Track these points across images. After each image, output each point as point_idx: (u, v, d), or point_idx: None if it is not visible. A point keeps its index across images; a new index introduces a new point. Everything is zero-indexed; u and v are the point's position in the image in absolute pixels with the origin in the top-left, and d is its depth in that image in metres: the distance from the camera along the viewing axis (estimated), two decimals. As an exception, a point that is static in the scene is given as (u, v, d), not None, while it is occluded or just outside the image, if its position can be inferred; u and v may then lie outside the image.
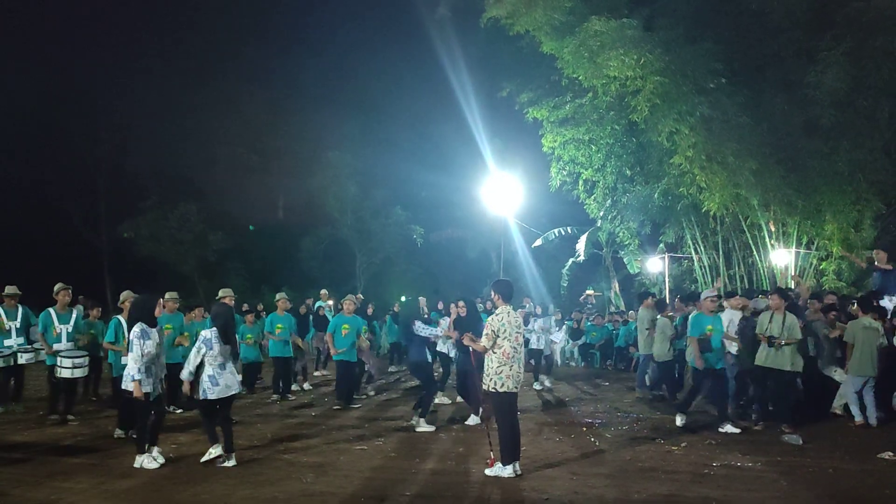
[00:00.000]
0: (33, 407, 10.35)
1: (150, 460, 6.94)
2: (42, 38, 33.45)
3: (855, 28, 13.48)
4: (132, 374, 6.78)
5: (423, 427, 8.98)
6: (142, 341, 6.80)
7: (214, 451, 7.11)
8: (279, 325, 11.98)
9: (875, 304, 9.62)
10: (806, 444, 8.01)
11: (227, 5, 36.08)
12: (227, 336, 7.09)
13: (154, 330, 7.00)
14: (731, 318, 10.02)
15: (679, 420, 9.22)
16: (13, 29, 32.10)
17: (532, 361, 13.50)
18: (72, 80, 30.53)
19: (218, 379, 6.98)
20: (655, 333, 11.75)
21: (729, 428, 8.78)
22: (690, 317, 9.66)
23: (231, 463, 6.95)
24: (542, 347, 13.67)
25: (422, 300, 16.79)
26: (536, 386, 13.31)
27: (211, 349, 6.97)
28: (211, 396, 6.98)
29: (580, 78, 15.85)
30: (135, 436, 7.27)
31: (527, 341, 13.00)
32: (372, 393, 12.45)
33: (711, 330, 9.11)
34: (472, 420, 9.44)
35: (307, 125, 33.56)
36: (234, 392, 7.16)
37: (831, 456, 7.43)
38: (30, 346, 9.97)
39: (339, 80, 36.83)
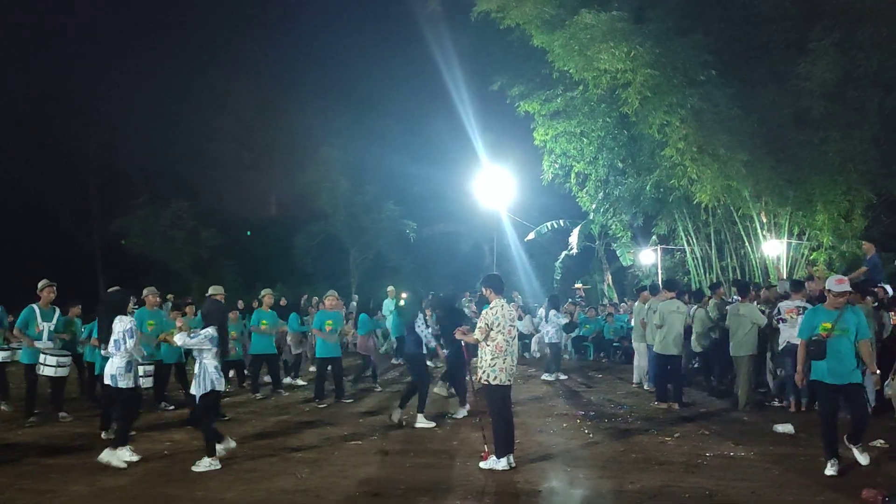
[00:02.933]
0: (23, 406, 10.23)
1: (128, 453, 6.98)
2: (30, 37, 33.29)
3: (843, 19, 13.50)
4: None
5: (422, 423, 8.88)
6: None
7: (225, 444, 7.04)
8: (264, 322, 11.89)
9: (872, 290, 9.67)
10: (798, 433, 8.06)
11: (216, 2, 35.96)
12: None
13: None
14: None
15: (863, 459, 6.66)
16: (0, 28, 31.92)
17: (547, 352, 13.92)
18: (61, 78, 30.34)
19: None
20: (694, 324, 11.40)
21: (856, 454, 6.63)
22: (806, 311, 7.47)
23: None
24: (558, 340, 13.89)
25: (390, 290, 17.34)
26: (547, 377, 13.36)
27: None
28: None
29: (571, 71, 15.83)
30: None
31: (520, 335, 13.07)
32: (372, 387, 12.38)
33: (829, 329, 6.44)
34: (461, 413, 9.45)
35: (298, 121, 33.54)
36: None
37: (823, 444, 7.47)
38: (6, 346, 9.81)
39: (330, 75, 36.87)
